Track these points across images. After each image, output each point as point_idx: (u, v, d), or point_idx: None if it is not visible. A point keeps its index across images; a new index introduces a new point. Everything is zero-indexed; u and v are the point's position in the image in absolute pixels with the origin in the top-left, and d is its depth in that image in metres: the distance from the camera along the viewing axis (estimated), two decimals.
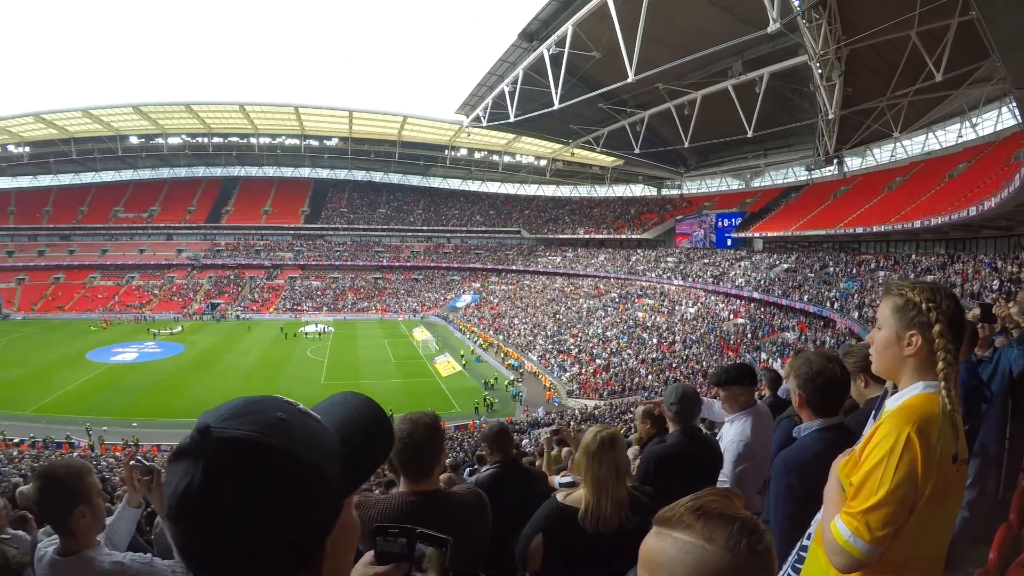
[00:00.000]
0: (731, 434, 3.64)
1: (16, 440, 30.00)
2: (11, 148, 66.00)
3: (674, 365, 35.48)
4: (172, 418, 33.44)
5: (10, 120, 58.35)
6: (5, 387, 39.03)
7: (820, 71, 26.17)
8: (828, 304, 32.19)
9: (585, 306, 52.51)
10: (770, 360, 30.21)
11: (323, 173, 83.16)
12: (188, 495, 0.66)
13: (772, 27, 22.98)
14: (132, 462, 2.54)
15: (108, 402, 36.30)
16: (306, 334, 55.14)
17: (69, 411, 34.93)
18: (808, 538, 1.78)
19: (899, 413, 1.57)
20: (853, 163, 44.96)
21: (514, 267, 70.64)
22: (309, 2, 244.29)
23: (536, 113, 41.13)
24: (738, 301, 41.04)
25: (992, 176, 26.46)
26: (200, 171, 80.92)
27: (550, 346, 45.71)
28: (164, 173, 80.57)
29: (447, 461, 6.38)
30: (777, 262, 42.05)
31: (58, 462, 2.32)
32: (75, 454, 27.32)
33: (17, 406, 35.65)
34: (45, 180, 77.17)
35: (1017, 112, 25.62)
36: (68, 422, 33.00)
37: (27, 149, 66.60)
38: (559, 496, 2.47)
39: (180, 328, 57.24)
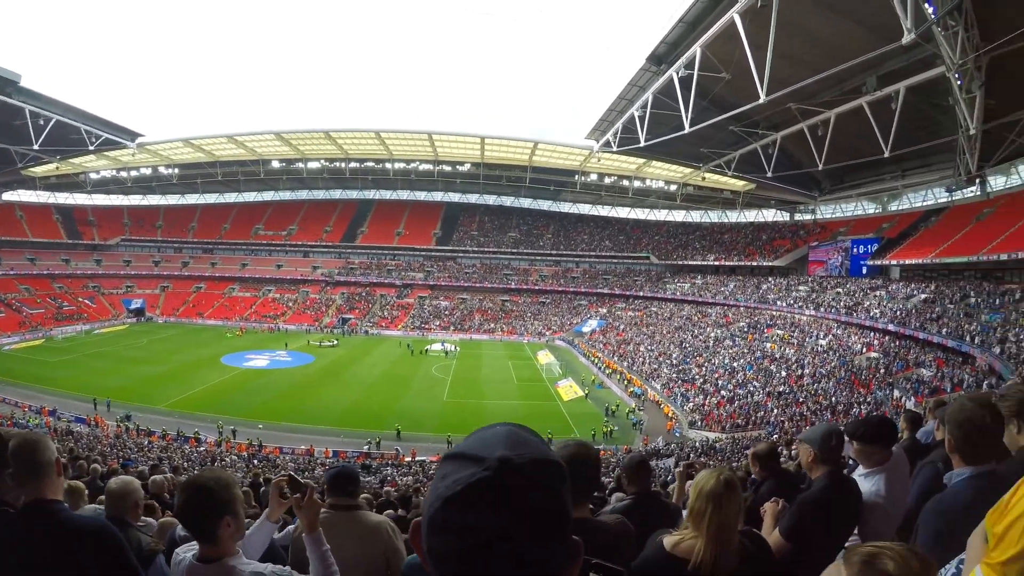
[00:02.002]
0: (865, 491, 3.20)
1: (148, 431, 30.67)
2: (162, 169, 71.64)
3: (801, 400, 33.79)
4: (296, 423, 33.78)
5: (162, 144, 63.33)
6: (145, 382, 40.78)
7: (959, 82, 24.44)
8: (968, 338, 30.18)
9: (712, 335, 50.26)
10: (903, 398, 28.76)
11: (455, 197, 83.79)
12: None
13: (907, 38, 21.55)
14: (282, 477, 2.65)
15: (237, 403, 36.87)
16: (427, 351, 54.95)
17: (200, 409, 35.67)
18: None
19: None
20: (997, 182, 41.12)
21: (642, 293, 68.85)
22: (440, 31, 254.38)
23: (666, 137, 40.60)
24: (872, 333, 38.98)
25: None
26: (337, 194, 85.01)
27: (674, 375, 44.24)
28: (303, 195, 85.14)
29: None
30: (915, 292, 39.67)
31: (206, 472, 2.22)
32: (201, 449, 27.57)
33: (154, 400, 36.96)
34: (192, 198, 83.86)
35: None
36: (198, 419, 33.61)
37: (176, 171, 72.11)
38: (667, 545, 2.11)
39: (336, 343, 58.08)
